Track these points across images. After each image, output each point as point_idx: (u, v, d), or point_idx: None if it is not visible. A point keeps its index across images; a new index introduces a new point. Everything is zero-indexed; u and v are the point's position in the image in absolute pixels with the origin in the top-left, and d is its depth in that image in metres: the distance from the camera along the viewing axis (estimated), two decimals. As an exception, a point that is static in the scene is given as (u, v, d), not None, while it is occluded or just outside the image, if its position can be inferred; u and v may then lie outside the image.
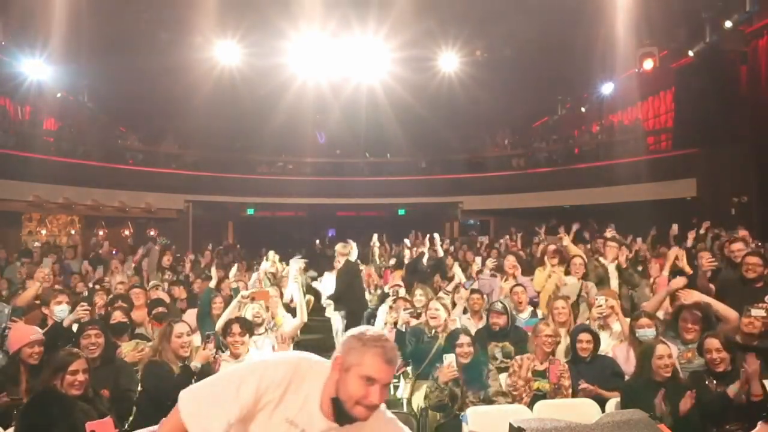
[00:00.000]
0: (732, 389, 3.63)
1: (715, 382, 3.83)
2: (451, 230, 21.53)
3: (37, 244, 14.61)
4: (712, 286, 5.24)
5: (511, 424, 2.93)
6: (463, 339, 4.56)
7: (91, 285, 8.49)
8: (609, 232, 8.10)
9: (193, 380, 4.01)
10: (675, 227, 7.78)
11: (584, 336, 4.66)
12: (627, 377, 4.44)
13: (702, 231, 8.96)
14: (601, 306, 5.18)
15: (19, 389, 4.00)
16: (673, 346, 4.46)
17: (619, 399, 4.16)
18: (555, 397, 4.34)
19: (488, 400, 4.34)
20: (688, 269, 6.33)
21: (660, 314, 5.13)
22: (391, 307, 6.23)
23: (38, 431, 3.06)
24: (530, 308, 6.26)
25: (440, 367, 4.41)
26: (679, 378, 4.08)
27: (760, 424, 2.98)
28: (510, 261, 7.20)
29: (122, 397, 4.10)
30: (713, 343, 3.88)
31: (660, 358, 3.99)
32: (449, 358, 4.36)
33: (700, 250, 6.49)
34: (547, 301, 6.13)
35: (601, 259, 7.19)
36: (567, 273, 6.59)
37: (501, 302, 5.54)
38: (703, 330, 4.51)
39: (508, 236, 12.62)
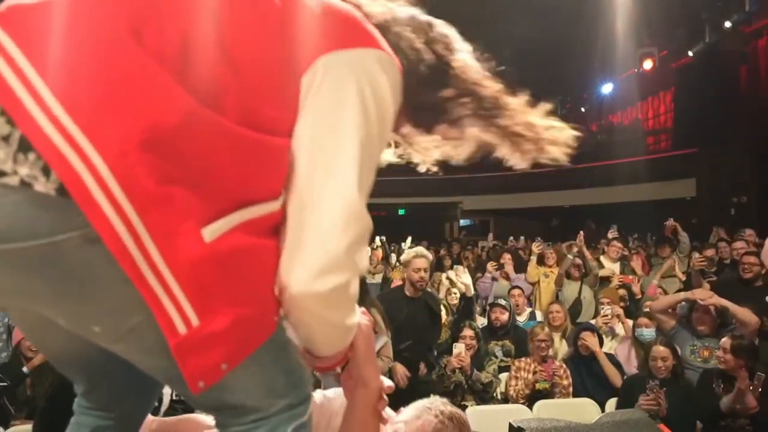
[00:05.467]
0: (724, 402, 3.62)
1: (722, 384, 3.79)
2: (451, 230, 21.55)
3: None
4: (707, 284, 5.25)
5: (510, 424, 2.93)
6: (467, 332, 4.62)
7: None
8: (611, 233, 8.13)
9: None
10: (671, 222, 7.78)
11: (586, 334, 4.68)
12: (627, 377, 4.45)
13: (713, 238, 8.93)
14: (606, 315, 5.22)
15: (24, 382, 4.04)
16: (685, 344, 4.47)
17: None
18: (553, 396, 4.36)
19: (483, 393, 4.38)
20: (681, 276, 6.40)
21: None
22: None
23: (57, 429, 3.07)
24: (528, 310, 6.30)
25: (448, 357, 4.46)
26: (681, 378, 4.08)
27: None
28: (505, 258, 7.42)
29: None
30: (725, 342, 3.84)
31: (653, 360, 4.00)
32: (459, 347, 4.41)
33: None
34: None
35: (602, 258, 7.23)
36: (568, 276, 6.62)
37: (504, 299, 5.57)
38: (719, 324, 4.48)
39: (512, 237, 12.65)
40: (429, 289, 5.02)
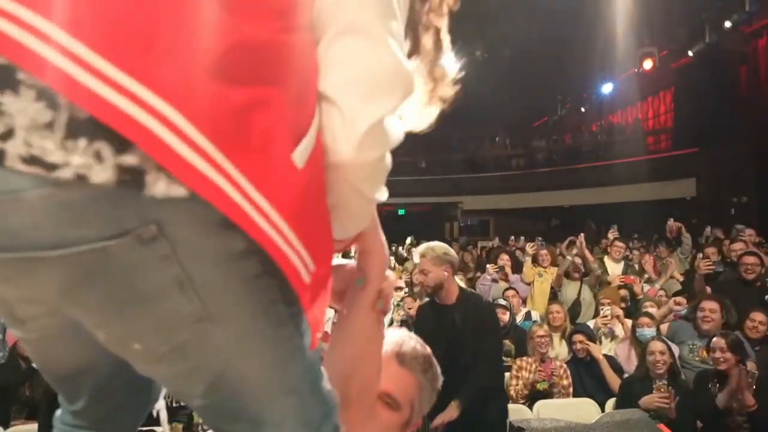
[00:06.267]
0: (720, 399, 3.63)
1: (717, 385, 3.82)
2: (451, 230, 21.56)
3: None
4: (708, 288, 5.25)
5: (511, 424, 2.94)
6: None
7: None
8: (612, 233, 8.14)
9: None
10: (671, 222, 7.76)
11: (577, 337, 4.71)
12: (625, 377, 4.46)
13: (709, 236, 8.95)
14: (606, 316, 5.24)
15: (23, 382, 4.05)
16: (685, 343, 4.49)
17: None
18: (552, 395, 4.37)
19: None
20: (678, 277, 6.41)
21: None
22: (398, 305, 6.23)
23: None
24: (524, 311, 6.31)
25: None
26: (679, 377, 4.09)
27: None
28: (503, 259, 7.39)
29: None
30: (719, 342, 3.87)
31: (651, 354, 4.02)
32: None
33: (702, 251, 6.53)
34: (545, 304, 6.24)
35: (606, 259, 7.22)
36: (567, 276, 6.62)
37: (504, 299, 5.59)
38: (723, 324, 4.49)
39: (512, 237, 12.68)
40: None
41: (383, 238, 1.10)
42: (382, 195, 0.93)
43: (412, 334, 1.32)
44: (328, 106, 0.79)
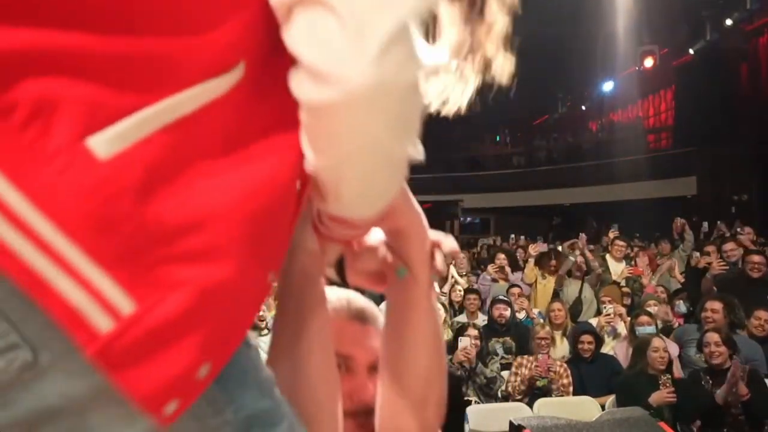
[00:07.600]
0: (719, 395, 3.64)
1: (710, 381, 3.83)
2: (452, 228, 21.55)
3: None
4: (714, 288, 5.25)
5: (511, 422, 2.94)
6: (471, 331, 4.65)
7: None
8: (612, 233, 8.13)
9: None
10: (678, 221, 7.77)
11: (586, 337, 4.71)
12: (623, 375, 4.47)
13: (706, 232, 8.95)
14: (609, 314, 5.25)
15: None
16: (690, 344, 4.51)
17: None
18: (551, 392, 4.38)
19: (487, 388, 4.40)
20: (679, 277, 6.41)
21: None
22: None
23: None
24: (528, 307, 6.32)
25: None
26: (673, 374, 4.12)
27: None
28: (500, 258, 7.40)
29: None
30: (713, 336, 3.89)
31: (655, 351, 4.04)
32: (464, 341, 4.42)
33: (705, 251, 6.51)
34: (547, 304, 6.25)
35: (608, 258, 7.22)
36: (569, 274, 6.62)
37: (503, 295, 5.60)
38: (729, 324, 4.49)
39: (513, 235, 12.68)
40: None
41: (418, 206, 0.80)
42: (417, 151, 0.62)
43: (338, 291, 0.97)
44: (324, 14, 0.50)
